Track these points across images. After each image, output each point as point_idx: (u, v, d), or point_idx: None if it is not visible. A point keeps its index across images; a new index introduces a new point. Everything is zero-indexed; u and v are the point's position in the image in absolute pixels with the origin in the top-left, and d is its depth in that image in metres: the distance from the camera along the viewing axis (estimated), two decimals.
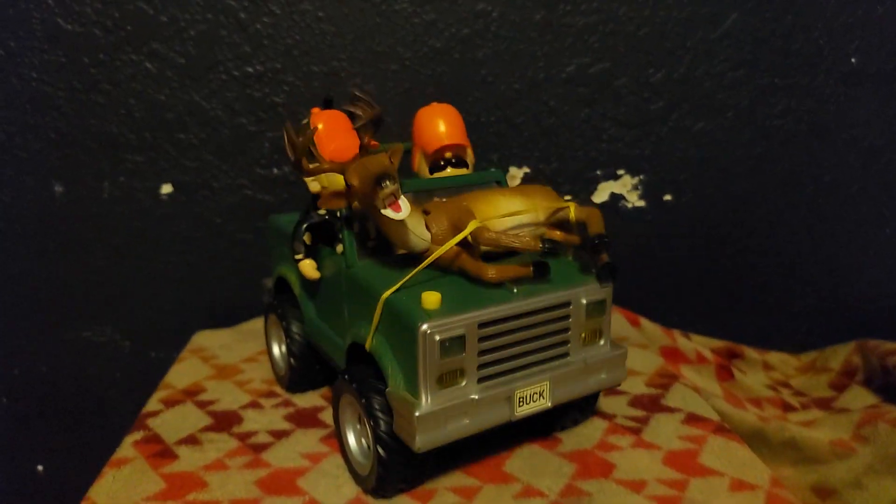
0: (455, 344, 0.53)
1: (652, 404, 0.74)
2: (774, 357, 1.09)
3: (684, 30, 1.01)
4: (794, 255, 1.12)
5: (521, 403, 0.56)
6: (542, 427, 0.68)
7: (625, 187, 1.07)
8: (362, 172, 0.53)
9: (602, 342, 0.62)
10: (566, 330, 0.59)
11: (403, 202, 0.54)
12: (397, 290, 0.56)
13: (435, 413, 0.52)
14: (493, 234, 0.58)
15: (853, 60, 1.04)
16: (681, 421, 0.70)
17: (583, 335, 0.60)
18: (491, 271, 0.57)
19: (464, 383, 0.54)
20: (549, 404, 0.58)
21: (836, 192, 1.09)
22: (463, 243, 0.58)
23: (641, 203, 1.08)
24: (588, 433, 0.68)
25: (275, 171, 1.01)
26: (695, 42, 1.01)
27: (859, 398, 0.93)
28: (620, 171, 1.06)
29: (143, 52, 0.95)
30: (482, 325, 0.54)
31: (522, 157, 1.05)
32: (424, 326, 0.52)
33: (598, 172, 1.06)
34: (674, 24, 1.00)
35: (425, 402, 0.53)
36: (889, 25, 1.02)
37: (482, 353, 0.55)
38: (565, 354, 0.60)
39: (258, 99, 0.99)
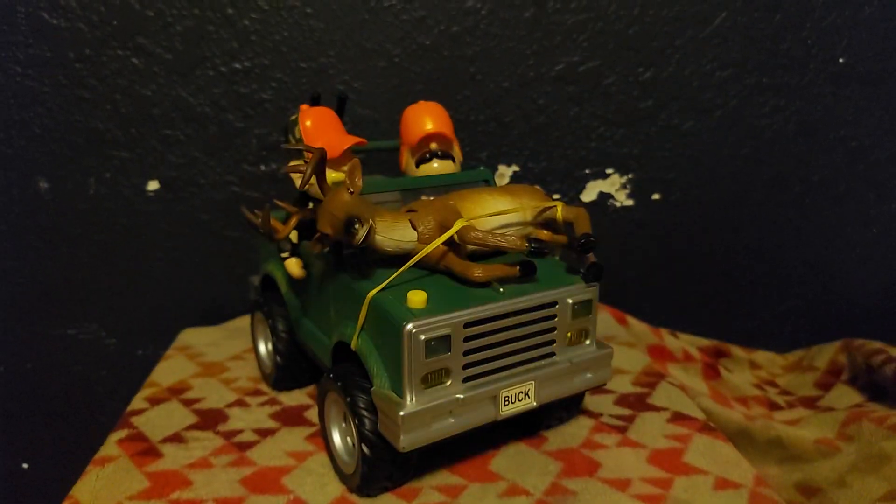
0: (440, 344, 0.53)
1: (638, 403, 0.74)
2: (761, 356, 1.10)
3: (673, 29, 1.01)
4: (781, 255, 1.12)
5: (506, 403, 0.56)
6: (528, 426, 0.68)
7: (613, 186, 1.07)
8: (332, 221, 0.54)
9: (588, 342, 0.62)
10: (552, 330, 0.59)
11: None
12: (383, 289, 0.56)
13: (419, 412, 0.52)
14: (479, 234, 0.57)
15: (841, 60, 1.04)
16: (666, 420, 0.71)
17: (569, 335, 0.60)
18: (477, 271, 0.57)
19: (449, 383, 0.54)
20: (535, 404, 0.58)
21: (824, 192, 1.10)
22: (449, 242, 0.58)
23: (630, 202, 1.08)
24: (574, 432, 0.68)
25: (262, 167, 1.01)
26: (684, 41, 1.01)
27: (844, 397, 0.93)
28: (609, 170, 1.06)
29: (130, 48, 0.95)
30: (468, 324, 0.54)
31: (511, 156, 1.04)
32: (409, 326, 0.51)
33: (587, 171, 1.06)
34: (663, 22, 1.00)
35: (410, 402, 0.52)
36: (877, 26, 1.03)
37: (467, 352, 0.55)
38: (551, 354, 0.60)
39: (246, 95, 0.98)
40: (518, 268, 0.57)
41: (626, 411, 0.72)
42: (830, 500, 0.75)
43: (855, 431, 0.80)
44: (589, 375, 0.62)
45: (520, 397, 0.57)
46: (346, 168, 0.57)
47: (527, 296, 0.57)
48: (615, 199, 1.08)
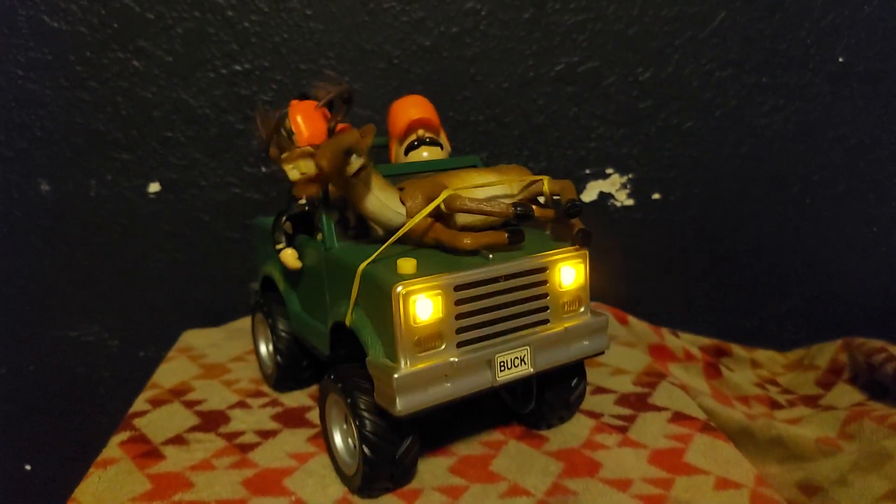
0: (431, 306, 0.53)
1: (639, 403, 0.74)
2: (762, 355, 1.10)
3: (673, 29, 1.01)
4: (782, 254, 1.12)
5: (502, 368, 0.56)
6: (529, 425, 0.68)
7: (613, 186, 1.07)
8: (330, 147, 0.54)
9: (582, 309, 0.62)
10: (544, 296, 0.59)
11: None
12: (373, 261, 0.56)
13: (413, 375, 0.52)
14: (465, 200, 0.58)
15: (840, 60, 1.04)
16: (667, 419, 0.70)
17: (562, 302, 0.60)
18: (466, 239, 0.57)
19: (443, 347, 0.54)
20: (532, 370, 0.58)
21: (823, 191, 1.10)
22: (437, 215, 0.59)
23: (630, 202, 1.08)
24: (575, 432, 0.68)
25: (263, 169, 1.01)
26: (683, 41, 1.01)
27: (845, 396, 0.93)
28: (609, 170, 1.06)
29: (130, 50, 0.95)
30: (458, 287, 0.54)
31: (511, 156, 1.05)
32: (399, 288, 0.52)
33: (587, 171, 1.06)
34: (662, 22, 1.00)
35: (404, 365, 0.53)
36: (876, 25, 1.03)
37: (459, 316, 0.55)
38: (545, 321, 0.60)
39: (246, 97, 0.98)
40: (506, 235, 0.57)
41: (626, 411, 0.72)
42: (832, 498, 0.75)
43: (856, 430, 0.80)
44: (585, 343, 0.62)
45: (516, 363, 0.57)
46: (363, 129, 0.57)
47: (516, 261, 0.57)
48: (615, 199, 1.08)
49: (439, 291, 0.53)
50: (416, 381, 0.52)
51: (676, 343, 1.00)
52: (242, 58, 0.97)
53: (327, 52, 0.98)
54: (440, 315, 0.54)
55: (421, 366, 0.53)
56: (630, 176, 1.07)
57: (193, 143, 0.99)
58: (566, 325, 0.60)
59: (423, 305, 0.52)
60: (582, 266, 0.60)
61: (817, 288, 1.14)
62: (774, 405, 0.95)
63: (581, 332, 0.61)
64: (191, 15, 0.94)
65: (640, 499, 0.57)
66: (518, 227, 0.59)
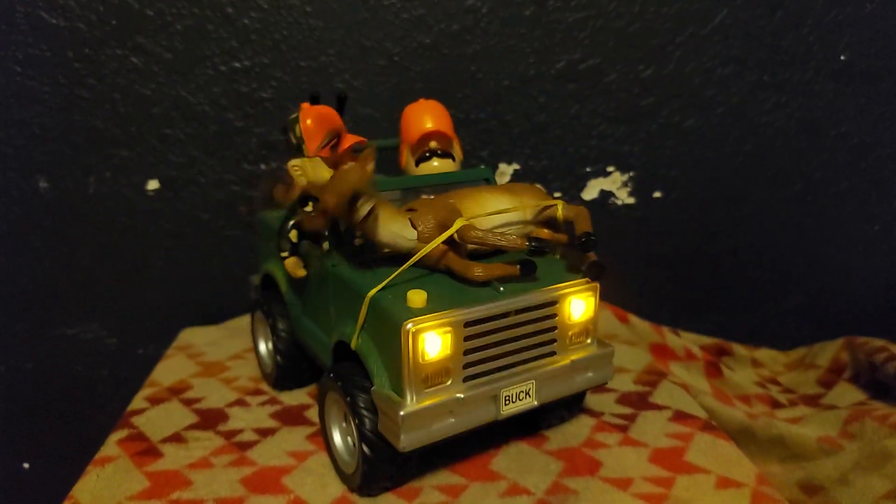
0: (440, 343, 0.52)
1: (639, 402, 0.74)
2: (763, 354, 1.09)
3: (674, 26, 1.00)
4: (783, 252, 1.12)
5: (507, 402, 0.56)
6: (529, 425, 0.68)
7: (614, 184, 1.07)
8: (336, 195, 0.54)
9: (589, 341, 0.62)
10: (553, 329, 0.59)
11: None
12: (383, 288, 0.55)
13: (420, 412, 0.52)
14: (479, 233, 0.57)
15: (843, 57, 1.04)
16: (668, 418, 0.70)
17: (570, 334, 0.60)
18: (477, 270, 0.57)
19: (449, 382, 0.54)
20: (536, 403, 0.58)
21: (826, 189, 1.09)
22: (449, 241, 0.58)
23: (631, 200, 1.08)
24: (575, 431, 0.68)
25: (262, 166, 1.01)
26: (685, 38, 1.01)
27: (847, 395, 0.93)
28: (610, 168, 1.06)
29: (129, 47, 0.94)
30: (468, 324, 0.54)
31: (512, 154, 1.04)
32: (409, 325, 0.51)
33: (588, 169, 1.06)
34: (664, 19, 1.00)
35: (410, 402, 0.52)
36: (878, 22, 1.02)
37: (468, 352, 0.54)
38: (552, 353, 0.60)
39: (245, 94, 0.98)
40: (518, 267, 0.57)
41: (627, 410, 0.72)
42: (833, 498, 0.75)
43: (857, 429, 0.80)
44: (590, 374, 0.62)
45: (521, 396, 0.57)
46: (362, 154, 0.57)
47: (527, 294, 0.56)
48: (616, 197, 1.08)
49: (449, 329, 0.53)
50: (421, 418, 0.52)
51: (677, 342, 1.00)
52: (242, 55, 0.96)
53: (327, 49, 0.97)
54: (449, 352, 0.53)
55: (427, 402, 0.52)
56: (631, 174, 1.07)
57: (192, 140, 0.99)
58: (573, 357, 0.60)
59: (433, 342, 0.52)
60: (592, 299, 0.60)
61: (819, 286, 1.14)
62: (775, 404, 0.95)
63: (587, 365, 0.61)
64: (190, 12, 0.94)
65: (640, 498, 0.57)
66: (530, 260, 0.58)
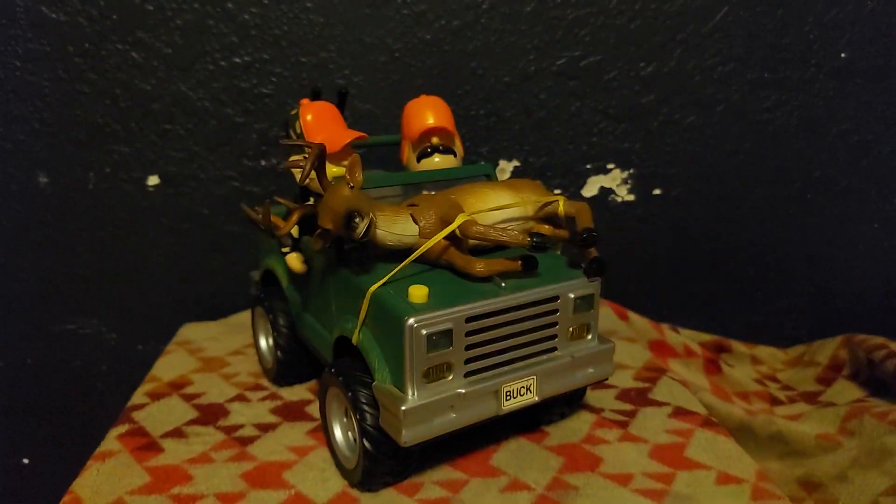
0: (442, 338, 0.53)
1: (639, 398, 0.74)
2: (762, 351, 1.09)
3: (675, 23, 1.00)
4: (783, 250, 1.12)
5: (508, 398, 0.56)
6: (529, 420, 0.68)
7: (614, 181, 1.07)
8: (332, 216, 0.54)
9: (590, 337, 0.62)
10: (554, 325, 0.59)
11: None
12: (384, 284, 0.56)
13: (421, 407, 0.52)
14: (481, 228, 0.57)
15: (843, 55, 1.04)
16: (668, 415, 0.70)
17: (570, 330, 0.60)
18: (479, 265, 0.57)
19: (451, 377, 0.54)
20: (537, 399, 0.58)
21: (826, 187, 1.09)
22: (451, 237, 0.58)
23: (631, 197, 1.08)
24: (575, 427, 0.68)
25: (262, 162, 1.01)
26: (686, 35, 1.01)
27: (846, 392, 0.93)
28: (610, 165, 1.06)
29: (129, 42, 0.94)
30: (469, 319, 0.54)
31: (512, 151, 1.04)
32: (411, 321, 0.51)
33: (588, 166, 1.06)
34: (665, 17, 1.00)
35: (411, 397, 0.52)
36: (879, 20, 1.02)
37: (469, 347, 0.54)
38: (553, 349, 0.60)
39: (246, 90, 0.98)
40: (520, 262, 0.57)
41: (627, 406, 0.72)
42: (832, 495, 0.75)
43: (856, 427, 0.80)
44: (591, 370, 0.62)
45: (522, 392, 0.57)
46: (346, 163, 0.57)
47: (528, 290, 0.56)
48: (616, 195, 1.08)
49: (451, 325, 0.53)
50: (423, 413, 0.52)
51: (677, 339, 1.00)
52: (242, 50, 0.96)
53: (328, 45, 0.97)
54: (450, 346, 0.53)
55: (429, 397, 0.53)
56: (631, 171, 1.07)
57: (192, 136, 0.99)
58: (574, 353, 0.60)
59: (434, 338, 0.52)
60: (593, 295, 0.60)
61: (818, 284, 1.14)
62: (774, 401, 0.95)
63: (588, 361, 0.61)
64: (190, 7, 0.94)
65: (641, 493, 0.57)
66: (532, 255, 0.58)
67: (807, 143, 1.07)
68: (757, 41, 1.02)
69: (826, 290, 1.14)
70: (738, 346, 1.08)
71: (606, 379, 0.64)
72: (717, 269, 1.13)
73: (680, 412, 0.71)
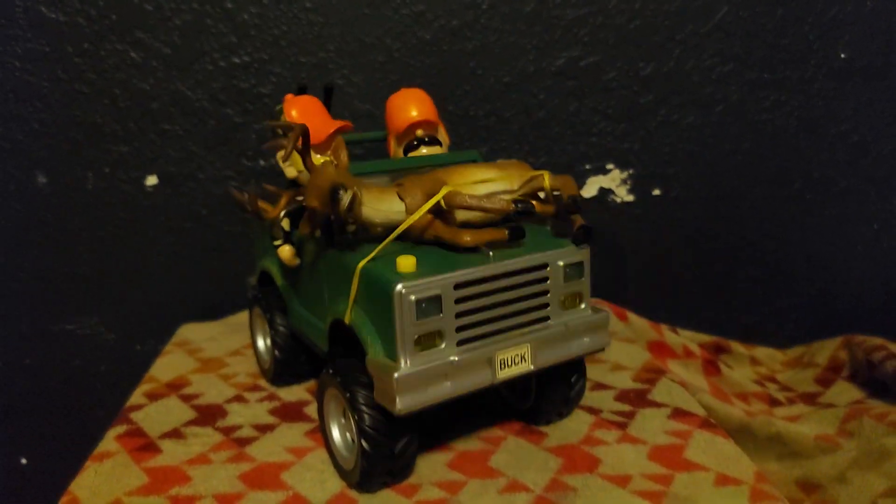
0: (431, 305, 0.53)
1: (638, 399, 0.74)
2: (761, 352, 1.09)
3: (674, 23, 1.00)
4: (782, 251, 1.12)
5: (502, 366, 0.56)
6: (528, 421, 0.68)
7: (614, 181, 1.07)
8: (317, 193, 0.54)
9: (583, 306, 0.62)
10: (545, 293, 0.59)
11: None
12: (372, 259, 0.56)
13: (414, 374, 0.52)
14: (465, 197, 0.57)
15: (842, 55, 1.04)
16: (667, 416, 0.70)
17: (562, 299, 0.60)
18: (466, 235, 0.57)
19: (443, 346, 0.54)
20: (532, 367, 0.58)
21: (825, 188, 1.09)
22: (437, 211, 0.58)
23: (630, 197, 1.08)
24: (574, 427, 0.68)
25: (261, 162, 1.00)
26: (685, 36, 1.01)
27: (845, 393, 0.93)
28: (609, 166, 1.06)
29: (128, 42, 0.94)
30: (458, 286, 0.54)
31: (511, 151, 1.04)
32: (399, 287, 0.51)
33: (587, 166, 1.06)
34: (664, 17, 1.00)
35: (404, 365, 0.52)
36: (878, 21, 1.02)
37: (460, 315, 0.54)
38: (545, 318, 0.59)
39: (245, 90, 0.98)
40: (507, 231, 0.57)
41: (626, 407, 0.72)
42: (831, 496, 0.75)
43: (855, 428, 0.80)
44: (586, 339, 0.61)
45: (516, 360, 0.57)
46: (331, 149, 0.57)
47: (517, 258, 0.57)
48: (615, 195, 1.08)
49: (439, 290, 0.53)
50: (416, 380, 0.52)
51: (676, 340, 1.00)
52: (241, 50, 0.96)
53: (327, 45, 0.97)
54: (440, 314, 0.53)
55: (421, 365, 0.52)
56: (630, 171, 1.06)
57: (191, 135, 0.99)
58: (567, 321, 0.60)
59: (424, 304, 0.52)
60: (583, 262, 0.60)
61: (817, 285, 1.14)
62: (773, 402, 0.95)
63: (582, 329, 0.61)
64: (189, 7, 0.94)
65: (639, 495, 0.57)
66: (518, 224, 0.58)
67: (806, 143, 1.07)
68: (756, 41, 1.02)
69: (825, 290, 1.14)
70: (737, 346, 1.08)
71: (603, 349, 0.63)
72: (716, 270, 1.12)
73: (679, 413, 0.71)
